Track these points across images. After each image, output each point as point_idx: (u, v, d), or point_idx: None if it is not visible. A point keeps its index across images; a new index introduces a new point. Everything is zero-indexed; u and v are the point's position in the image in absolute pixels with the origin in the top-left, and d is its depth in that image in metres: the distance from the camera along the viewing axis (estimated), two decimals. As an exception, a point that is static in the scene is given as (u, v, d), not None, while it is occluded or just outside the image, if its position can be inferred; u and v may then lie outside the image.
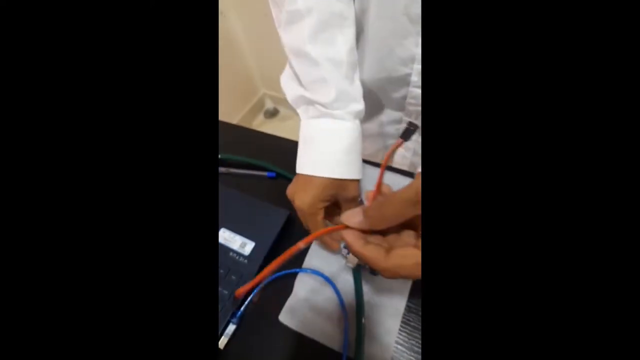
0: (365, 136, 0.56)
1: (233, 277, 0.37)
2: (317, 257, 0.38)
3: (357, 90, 0.36)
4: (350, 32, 0.36)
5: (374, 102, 0.49)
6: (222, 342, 0.33)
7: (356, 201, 0.36)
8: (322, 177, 0.33)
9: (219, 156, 0.48)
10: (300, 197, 0.33)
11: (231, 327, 0.34)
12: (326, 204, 0.34)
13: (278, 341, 0.34)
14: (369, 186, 0.44)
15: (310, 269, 0.37)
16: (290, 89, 0.37)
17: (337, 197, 0.34)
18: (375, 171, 0.45)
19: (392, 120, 0.51)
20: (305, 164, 0.34)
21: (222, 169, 0.48)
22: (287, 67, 0.38)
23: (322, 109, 0.34)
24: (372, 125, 0.53)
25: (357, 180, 0.35)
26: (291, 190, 0.35)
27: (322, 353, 0.33)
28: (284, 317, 0.34)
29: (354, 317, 0.34)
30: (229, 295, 0.36)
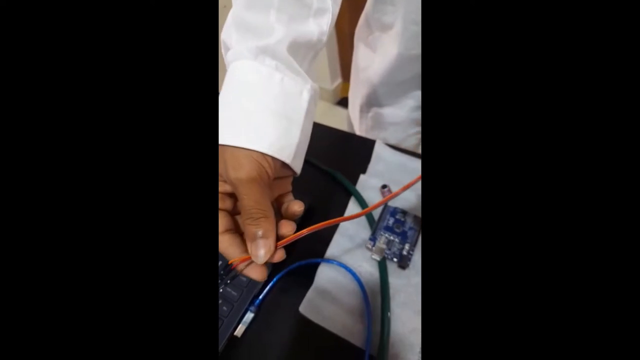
0: (392, 123, 0.53)
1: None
2: (339, 248, 0.36)
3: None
4: None
5: (404, 82, 0.46)
6: (240, 330, 0.32)
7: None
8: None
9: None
10: None
11: (249, 315, 0.33)
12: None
13: (296, 333, 0.32)
14: (397, 174, 0.41)
15: (332, 260, 0.35)
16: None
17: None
18: (404, 157, 0.42)
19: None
20: None
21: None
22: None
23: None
24: (400, 111, 0.50)
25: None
26: None
27: (342, 348, 0.31)
28: (304, 309, 0.33)
29: (378, 314, 0.32)
30: (247, 283, 0.34)
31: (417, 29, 0.38)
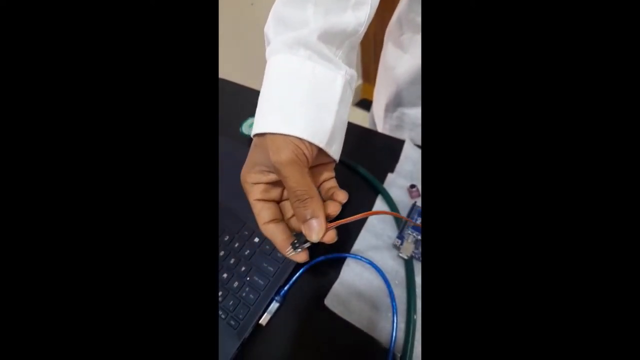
0: (417, 124, 0.52)
1: (279, 254, 0.36)
2: (366, 244, 0.36)
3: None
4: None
5: None
6: (265, 318, 0.32)
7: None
8: None
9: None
10: None
11: (274, 305, 0.33)
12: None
13: (320, 325, 0.32)
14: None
15: (359, 256, 0.35)
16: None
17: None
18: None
19: None
20: None
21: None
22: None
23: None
24: None
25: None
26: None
27: (365, 343, 0.31)
28: (330, 301, 0.33)
29: (404, 312, 0.32)
30: (273, 272, 0.34)
31: None
